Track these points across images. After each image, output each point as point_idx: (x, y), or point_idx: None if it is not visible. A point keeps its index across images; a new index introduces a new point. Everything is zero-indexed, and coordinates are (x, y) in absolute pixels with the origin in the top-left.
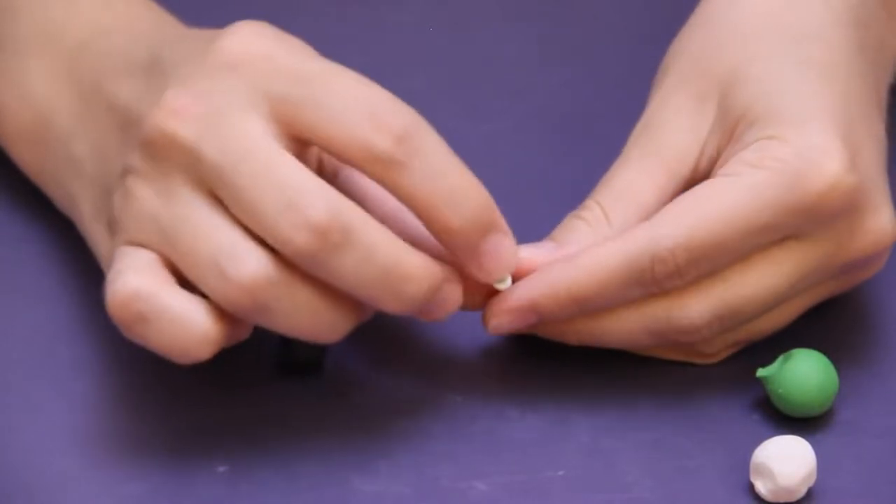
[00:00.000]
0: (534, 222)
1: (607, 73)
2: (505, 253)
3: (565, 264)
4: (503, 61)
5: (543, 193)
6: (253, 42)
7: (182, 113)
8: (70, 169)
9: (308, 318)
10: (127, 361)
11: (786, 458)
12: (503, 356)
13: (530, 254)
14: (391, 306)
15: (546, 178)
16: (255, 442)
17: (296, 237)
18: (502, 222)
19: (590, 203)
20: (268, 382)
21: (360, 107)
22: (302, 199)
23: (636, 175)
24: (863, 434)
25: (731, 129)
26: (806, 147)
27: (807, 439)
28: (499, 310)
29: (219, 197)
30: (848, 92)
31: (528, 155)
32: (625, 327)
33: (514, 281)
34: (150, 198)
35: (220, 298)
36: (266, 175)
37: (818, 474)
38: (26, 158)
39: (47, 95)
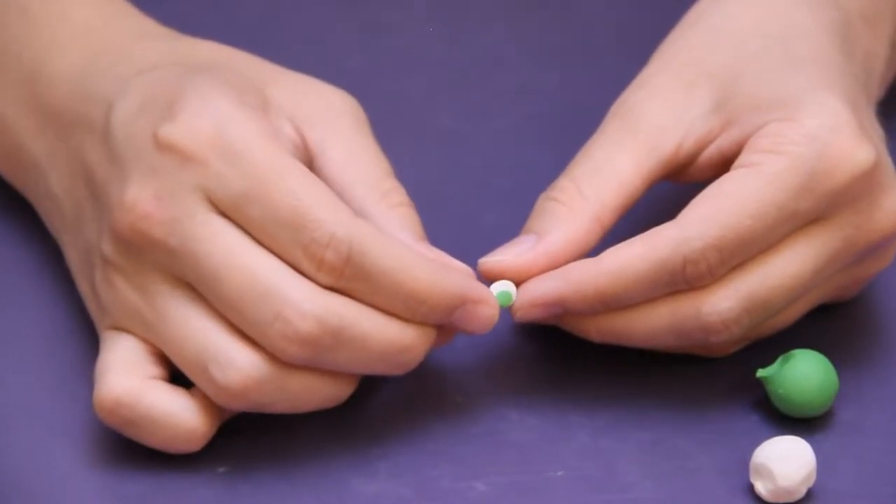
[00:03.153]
0: None
1: (607, 73)
2: (478, 317)
3: (593, 265)
4: (503, 61)
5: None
6: (197, 134)
7: (149, 217)
8: (51, 204)
9: (306, 400)
10: None
11: (786, 459)
12: (503, 357)
13: (514, 255)
14: (392, 373)
15: (546, 179)
16: (254, 443)
17: (287, 348)
18: (471, 292)
19: (563, 183)
20: None
21: (296, 241)
22: (289, 310)
23: (614, 151)
24: (863, 434)
25: (731, 115)
26: (820, 127)
27: (807, 440)
28: (526, 303)
29: (199, 292)
30: (844, 81)
31: (528, 155)
32: (649, 326)
33: (518, 284)
34: (130, 292)
35: (212, 397)
36: (249, 281)
37: (818, 475)
38: (11, 179)
39: (16, 119)
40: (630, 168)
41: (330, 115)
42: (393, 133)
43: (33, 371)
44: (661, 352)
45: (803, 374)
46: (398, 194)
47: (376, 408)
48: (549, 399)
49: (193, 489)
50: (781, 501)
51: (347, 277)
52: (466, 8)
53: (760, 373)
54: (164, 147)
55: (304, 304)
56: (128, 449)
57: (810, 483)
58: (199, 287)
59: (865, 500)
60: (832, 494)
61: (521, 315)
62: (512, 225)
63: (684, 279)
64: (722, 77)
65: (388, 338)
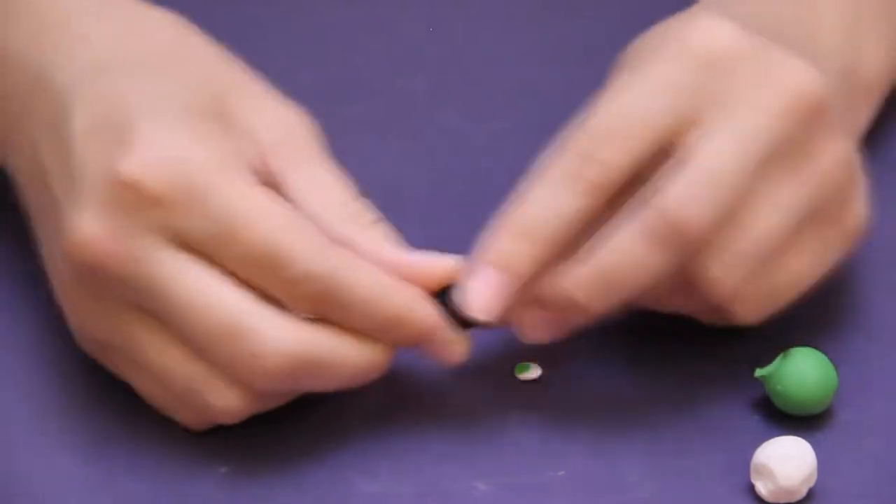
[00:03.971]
0: None
1: (607, 73)
2: (448, 354)
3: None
4: (504, 61)
5: None
6: (158, 173)
7: (108, 254)
8: (20, 181)
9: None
10: None
11: (786, 459)
12: (503, 357)
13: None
14: (354, 386)
15: None
16: (255, 443)
17: (260, 383)
18: (442, 330)
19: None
20: None
21: (271, 276)
22: (259, 347)
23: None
24: (863, 434)
25: None
26: (679, 26)
27: (807, 440)
28: (466, 284)
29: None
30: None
31: (529, 155)
32: (623, 248)
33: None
34: (98, 318)
35: (206, 420)
36: (216, 320)
37: (818, 475)
38: None
39: None
40: None
41: (289, 139)
42: (393, 133)
43: (34, 371)
44: (660, 351)
45: (802, 370)
46: (368, 213)
47: (377, 408)
48: (550, 399)
49: (193, 489)
50: (782, 502)
51: (323, 307)
52: (466, 8)
53: (759, 372)
54: (124, 185)
55: (275, 340)
56: (128, 449)
57: (811, 483)
58: (167, 324)
59: (866, 500)
60: (833, 494)
61: (470, 299)
62: None
63: (577, 174)
64: None
65: (358, 361)
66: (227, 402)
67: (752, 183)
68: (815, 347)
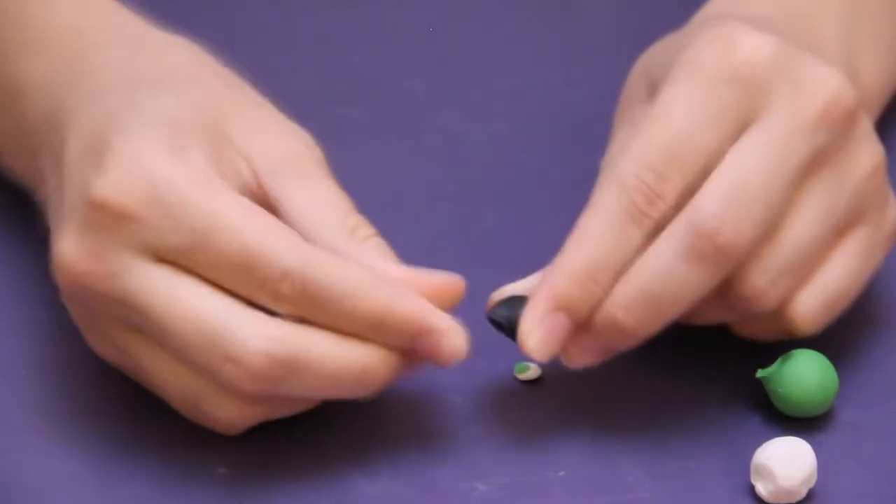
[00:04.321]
0: (534, 223)
1: (608, 74)
2: (442, 349)
3: (560, 256)
4: (503, 62)
5: (543, 194)
6: (129, 191)
7: (89, 274)
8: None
9: (307, 402)
10: None
11: (786, 460)
12: (503, 357)
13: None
14: (358, 395)
15: (546, 179)
16: (255, 443)
17: (242, 386)
18: (431, 319)
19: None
20: None
21: (249, 278)
22: (236, 350)
23: None
24: (863, 435)
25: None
26: (710, 34)
27: (807, 440)
28: (530, 323)
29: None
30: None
31: (529, 156)
32: (662, 267)
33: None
34: (99, 337)
35: (212, 427)
36: (193, 327)
37: (818, 475)
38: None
39: (4, 129)
40: None
41: (288, 160)
42: (393, 133)
43: (34, 371)
44: (661, 352)
45: (803, 373)
46: (365, 228)
47: (377, 408)
48: (550, 399)
49: (193, 490)
50: (782, 502)
51: (306, 306)
52: (466, 8)
53: (760, 373)
54: (96, 205)
55: (251, 340)
56: (128, 449)
57: (811, 484)
58: (150, 336)
59: (866, 501)
60: (833, 495)
61: (532, 344)
62: (512, 225)
63: (642, 212)
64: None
65: (344, 360)
66: (225, 413)
67: (789, 193)
68: (816, 348)
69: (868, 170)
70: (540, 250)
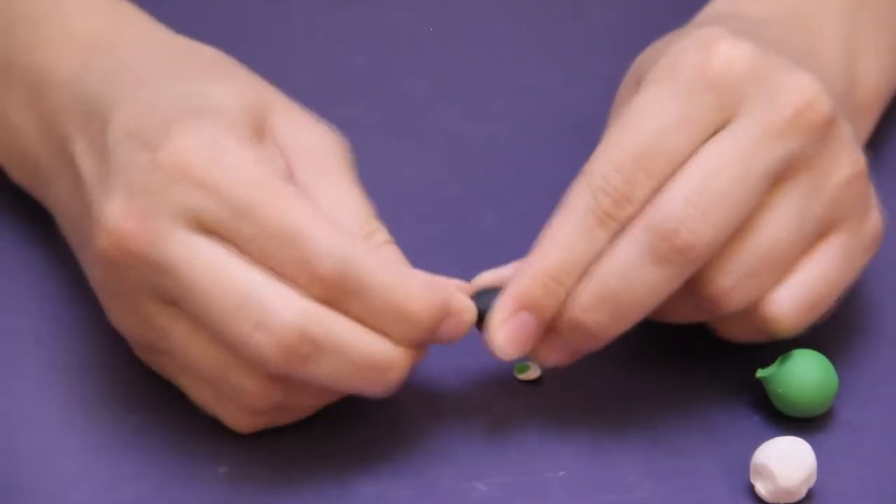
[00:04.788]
0: (534, 223)
1: (608, 74)
2: (455, 325)
3: (528, 257)
4: (503, 62)
5: (543, 194)
6: (191, 154)
7: (132, 232)
8: (60, 213)
9: (327, 395)
10: (127, 362)
11: (786, 459)
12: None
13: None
14: (372, 392)
15: (546, 179)
16: (255, 443)
17: (269, 356)
18: (454, 303)
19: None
20: None
21: (289, 254)
22: (269, 318)
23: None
24: (863, 435)
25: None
26: (686, 43)
27: (807, 440)
28: (496, 322)
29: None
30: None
31: (529, 156)
32: (624, 265)
33: None
34: (125, 315)
35: (238, 410)
36: (227, 293)
37: (818, 475)
38: (29, 188)
39: (26, 129)
40: None
41: (319, 156)
42: (393, 133)
43: (34, 371)
44: (660, 352)
45: (803, 373)
46: (382, 233)
47: (377, 408)
48: (550, 399)
49: (194, 490)
50: (782, 502)
51: (340, 291)
52: (466, 8)
53: (760, 373)
54: (157, 166)
55: (285, 311)
56: (128, 449)
57: (811, 483)
58: (182, 304)
59: (866, 501)
60: (833, 495)
61: (498, 343)
62: (512, 225)
63: (607, 214)
64: None
65: (370, 352)
66: (244, 395)
67: (757, 197)
68: (816, 349)
69: (846, 177)
70: None
